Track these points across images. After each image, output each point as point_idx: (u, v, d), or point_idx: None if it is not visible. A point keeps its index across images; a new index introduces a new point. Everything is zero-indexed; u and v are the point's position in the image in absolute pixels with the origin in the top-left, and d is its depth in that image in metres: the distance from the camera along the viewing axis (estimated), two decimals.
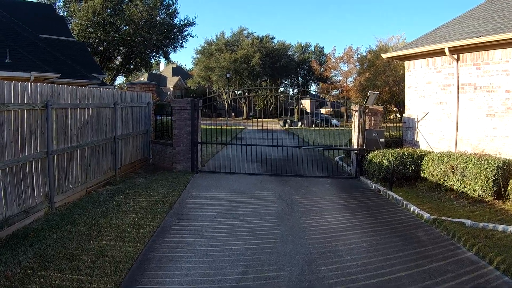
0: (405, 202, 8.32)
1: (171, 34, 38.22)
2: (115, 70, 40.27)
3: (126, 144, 11.07)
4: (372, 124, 10.95)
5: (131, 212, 7.25)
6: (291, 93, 60.14)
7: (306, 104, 75.90)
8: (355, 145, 11.35)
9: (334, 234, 6.48)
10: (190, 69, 74.15)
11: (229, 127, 27.51)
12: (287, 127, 37.43)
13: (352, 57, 46.29)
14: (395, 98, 49.04)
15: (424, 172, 9.76)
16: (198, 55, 57.19)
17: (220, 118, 48.08)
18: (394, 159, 9.90)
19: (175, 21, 38.37)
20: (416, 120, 11.84)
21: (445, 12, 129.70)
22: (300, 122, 43.24)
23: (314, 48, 58.68)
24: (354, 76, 48.19)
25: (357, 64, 45.23)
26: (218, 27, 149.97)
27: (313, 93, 68.67)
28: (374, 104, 11.05)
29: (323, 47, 62.72)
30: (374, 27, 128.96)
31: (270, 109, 71.68)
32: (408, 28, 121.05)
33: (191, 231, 6.47)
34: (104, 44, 34.08)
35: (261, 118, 63.07)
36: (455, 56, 10.25)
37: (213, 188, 9.54)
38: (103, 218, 6.80)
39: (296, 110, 64.61)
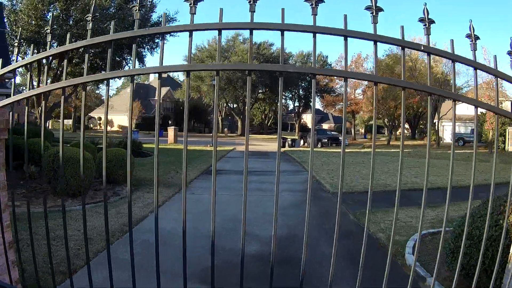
0: None
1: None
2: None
3: None
4: None
5: None
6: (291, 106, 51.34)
7: (307, 119, 67.03)
8: None
9: None
10: (183, 80, 65.59)
11: (212, 148, 17.20)
12: (287, 147, 28.24)
13: (362, 65, 37.80)
14: (408, 113, 40.11)
15: None
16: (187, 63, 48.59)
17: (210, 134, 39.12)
18: None
19: (152, 17, 29.34)
20: None
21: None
22: (302, 141, 33.44)
23: (318, 56, 49.93)
24: (363, 88, 39.57)
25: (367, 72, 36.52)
26: (211, 32, 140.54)
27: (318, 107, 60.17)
28: None
29: (327, 56, 54.23)
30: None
31: (269, 123, 62.96)
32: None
33: None
34: (55, 41, 25.01)
35: (259, 134, 54.24)
36: None
37: None
38: None
39: (297, 125, 55.65)
